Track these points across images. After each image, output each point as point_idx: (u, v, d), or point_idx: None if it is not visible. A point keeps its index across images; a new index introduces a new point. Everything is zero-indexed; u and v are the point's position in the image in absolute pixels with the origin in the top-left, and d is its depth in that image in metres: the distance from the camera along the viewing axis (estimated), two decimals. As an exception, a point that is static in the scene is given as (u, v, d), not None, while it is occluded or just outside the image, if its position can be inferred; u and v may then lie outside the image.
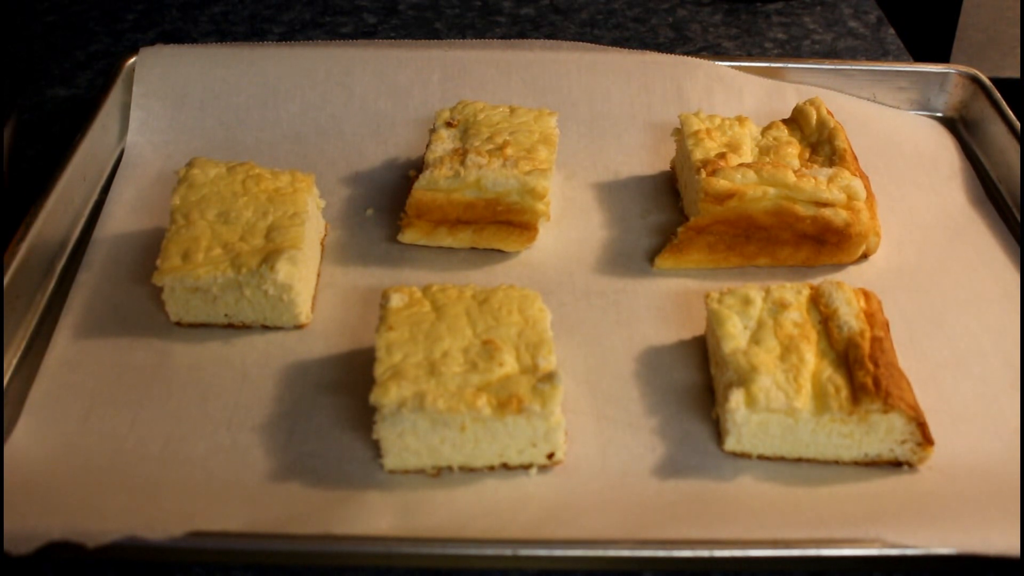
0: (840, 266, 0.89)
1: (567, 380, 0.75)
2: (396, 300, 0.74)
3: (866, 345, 0.71)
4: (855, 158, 0.91)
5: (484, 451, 0.68)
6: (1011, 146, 0.99)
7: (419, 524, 0.65)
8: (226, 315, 0.80)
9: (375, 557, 0.64)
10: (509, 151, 0.89)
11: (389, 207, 0.94)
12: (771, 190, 0.85)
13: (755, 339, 0.73)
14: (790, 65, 1.09)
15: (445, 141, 0.92)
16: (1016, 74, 1.92)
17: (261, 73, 1.05)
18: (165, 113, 1.02)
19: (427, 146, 0.92)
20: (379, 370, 0.69)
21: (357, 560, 0.64)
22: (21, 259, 0.81)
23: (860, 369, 0.70)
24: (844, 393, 0.69)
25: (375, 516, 0.65)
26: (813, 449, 0.70)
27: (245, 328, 0.81)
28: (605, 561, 0.63)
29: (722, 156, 0.88)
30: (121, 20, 1.27)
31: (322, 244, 0.89)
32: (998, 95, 1.05)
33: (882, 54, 1.23)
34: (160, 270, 0.78)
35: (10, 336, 0.79)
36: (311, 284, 0.83)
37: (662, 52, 1.11)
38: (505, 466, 0.69)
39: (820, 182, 0.86)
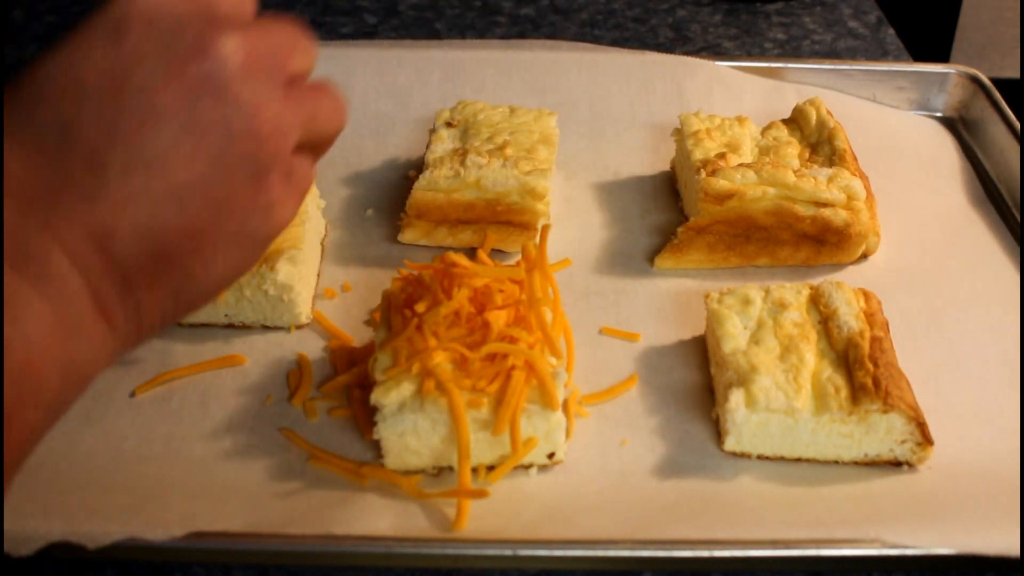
0: (840, 266, 0.89)
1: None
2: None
3: (866, 345, 0.71)
4: (855, 158, 0.91)
5: (485, 451, 0.68)
6: (1011, 146, 0.99)
7: (419, 524, 0.65)
8: (226, 315, 0.80)
9: (375, 557, 0.64)
10: (509, 151, 0.89)
11: (389, 207, 0.94)
12: (771, 190, 0.85)
13: (755, 339, 0.73)
14: (790, 65, 1.09)
15: (445, 141, 0.92)
16: (1016, 74, 1.92)
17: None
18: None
19: (427, 146, 0.92)
20: (379, 371, 0.69)
21: (357, 560, 0.64)
22: (21, 259, 0.81)
23: (860, 369, 0.70)
24: (844, 393, 0.69)
25: (375, 516, 0.65)
26: (813, 449, 0.70)
27: (245, 328, 0.81)
28: (605, 561, 0.63)
29: (722, 156, 0.88)
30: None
31: (322, 244, 0.89)
32: (998, 95, 1.05)
33: (882, 54, 1.24)
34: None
35: (10, 336, 0.79)
36: (311, 284, 0.83)
37: (662, 52, 1.11)
38: (505, 466, 0.69)
39: (820, 182, 0.86)
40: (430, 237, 0.89)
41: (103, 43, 0.50)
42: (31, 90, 0.49)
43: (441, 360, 0.68)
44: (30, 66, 0.50)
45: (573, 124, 1.03)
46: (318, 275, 0.86)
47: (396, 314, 0.72)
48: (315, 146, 0.58)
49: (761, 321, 0.75)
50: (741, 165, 0.86)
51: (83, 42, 0.50)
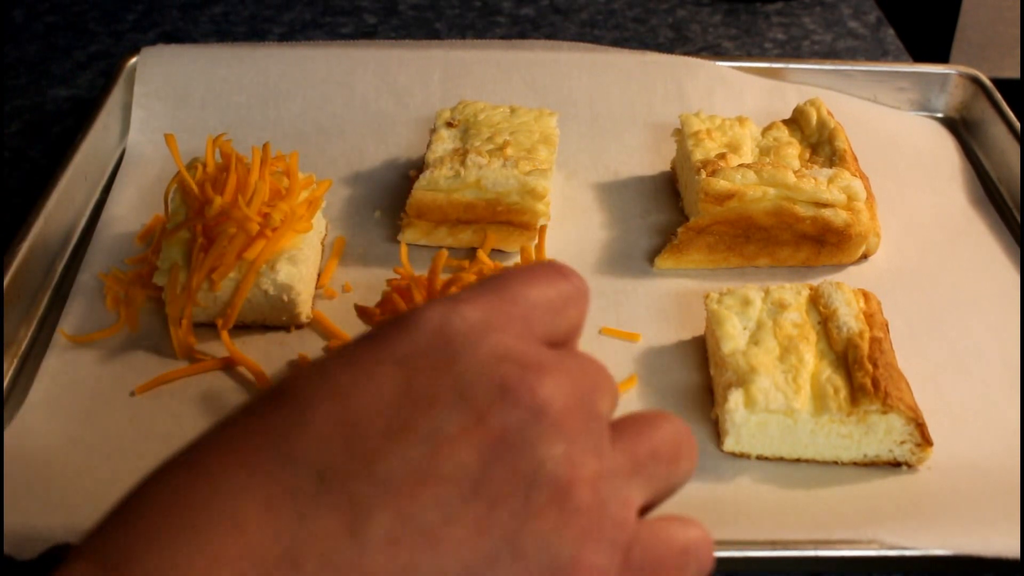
0: (840, 267, 0.89)
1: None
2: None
3: (865, 346, 0.71)
4: (855, 159, 0.91)
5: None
6: (1012, 147, 0.99)
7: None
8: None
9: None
10: (509, 151, 0.89)
11: (390, 207, 0.94)
12: (771, 191, 0.85)
13: (754, 340, 0.73)
14: (790, 65, 1.09)
15: (445, 141, 0.92)
16: (1016, 74, 1.92)
17: (262, 73, 1.05)
18: (166, 113, 1.02)
19: (427, 146, 0.92)
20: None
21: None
22: (21, 259, 0.81)
23: (859, 370, 0.70)
24: (843, 394, 0.69)
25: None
26: (812, 450, 0.70)
27: (245, 327, 0.81)
28: (604, 561, 0.63)
29: (722, 156, 0.88)
30: (121, 20, 1.27)
31: (322, 244, 0.89)
32: (998, 96, 1.05)
33: (882, 54, 1.24)
34: (161, 270, 0.78)
35: (11, 336, 0.79)
36: (311, 284, 0.84)
37: (662, 52, 1.11)
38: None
39: (820, 183, 0.86)
40: (430, 237, 0.89)
41: (391, 372, 0.39)
42: (295, 408, 0.39)
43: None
44: (299, 375, 0.41)
45: (573, 124, 1.03)
46: (318, 275, 0.86)
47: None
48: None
49: (761, 322, 0.75)
50: (741, 165, 0.86)
51: (367, 365, 0.40)
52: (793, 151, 0.92)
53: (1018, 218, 0.95)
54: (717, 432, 0.73)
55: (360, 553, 0.36)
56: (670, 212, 0.95)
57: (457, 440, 0.38)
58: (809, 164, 0.90)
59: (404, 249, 0.86)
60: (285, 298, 0.79)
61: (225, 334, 0.78)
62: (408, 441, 0.38)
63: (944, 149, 1.04)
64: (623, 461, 0.41)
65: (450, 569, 0.37)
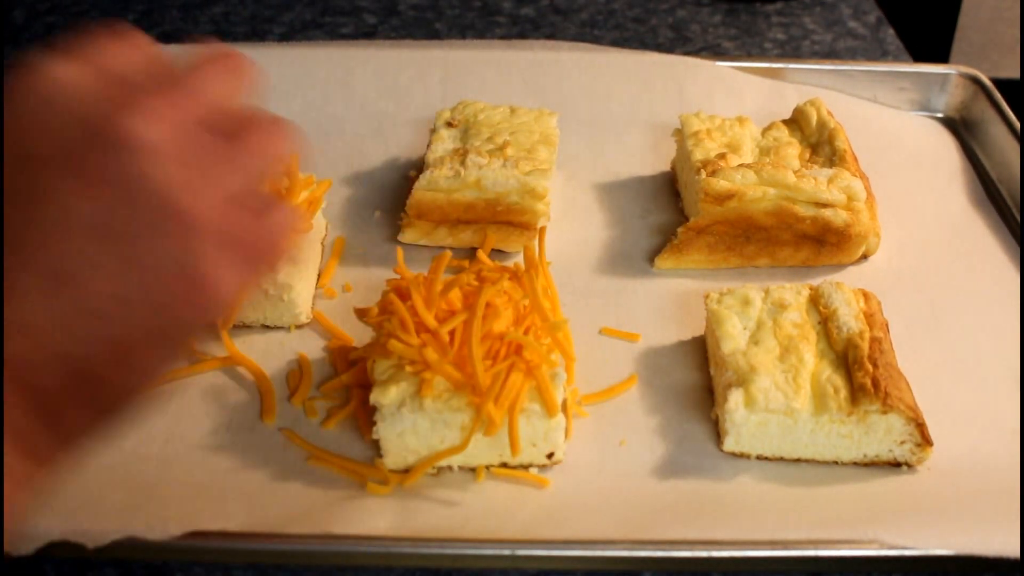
0: (840, 267, 0.89)
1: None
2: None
3: (865, 346, 0.71)
4: (855, 159, 0.91)
5: (484, 451, 0.68)
6: (1012, 147, 0.99)
7: (418, 524, 0.65)
8: (226, 315, 0.80)
9: (375, 557, 0.64)
10: (509, 151, 0.89)
11: (390, 207, 0.94)
12: (771, 191, 0.85)
13: (754, 340, 0.73)
14: (790, 66, 1.09)
15: (445, 141, 0.92)
16: (1016, 74, 1.92)
17: (262, 73, 1.05)
18: (166, 113, 1.02)
19: (428, 146, 0.92)
20: (379, 370, 0.69)
21: (357, 560, 0.64)
22: (22, 259, 0.81)
23: (859, 370, 0.70)
24: (843, 394, 0.69)
25: (374, 516, 0.65)
26: (812, 450, 0.70)
27: (245, 327, 0.81)
28: (603, 561, 0.63)
29: (722, 156, 0.88)
30: (121, 20, 1.27)
31: (322, 244, 0.89)
32: (998, 96, 1.05)
33: (882, 54, 1.24)
34: None
35: (11, 336, 0.79)
36: (311, 284, 0.84)
37: (662, 52, 1.11)
38: (505, 466, 0.70)
39: (820, 183, 0.86)
40: (430, 237, 0.89)
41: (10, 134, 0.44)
42: None
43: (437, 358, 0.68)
44: None
45: (573, 124, 1.03)
46: (318, 275, 0.86)
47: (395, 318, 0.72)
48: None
49: (761, 322, 0.75)
50: (741, 165, 0.86)
51: None
52: (793, 151, 0.92)
53: (1018, 218, 0.95)
54: (717, 432, 0.73)
55: (16, 308, 0.43)
56: (670, 212, 0.95)
57: (73, 190, 0.44)
58: (809, 164, 0.90)
59: (400, 252, 0.86)
60: (285, 298, 0.79)
61: (225, 334, 0.78)
62: (35, 199, 0.44)
63: (944, 149, 1.04)
64: (224, 169, 0.47)
65: (94, 298, 0.44)
